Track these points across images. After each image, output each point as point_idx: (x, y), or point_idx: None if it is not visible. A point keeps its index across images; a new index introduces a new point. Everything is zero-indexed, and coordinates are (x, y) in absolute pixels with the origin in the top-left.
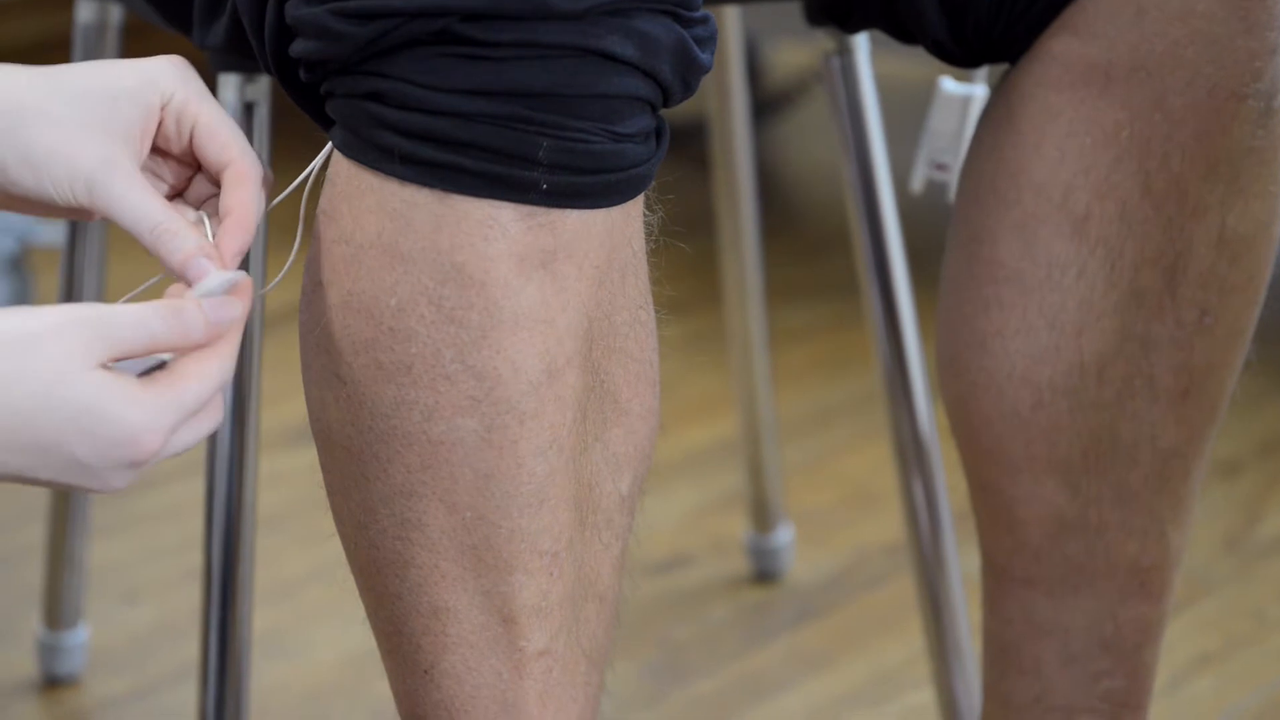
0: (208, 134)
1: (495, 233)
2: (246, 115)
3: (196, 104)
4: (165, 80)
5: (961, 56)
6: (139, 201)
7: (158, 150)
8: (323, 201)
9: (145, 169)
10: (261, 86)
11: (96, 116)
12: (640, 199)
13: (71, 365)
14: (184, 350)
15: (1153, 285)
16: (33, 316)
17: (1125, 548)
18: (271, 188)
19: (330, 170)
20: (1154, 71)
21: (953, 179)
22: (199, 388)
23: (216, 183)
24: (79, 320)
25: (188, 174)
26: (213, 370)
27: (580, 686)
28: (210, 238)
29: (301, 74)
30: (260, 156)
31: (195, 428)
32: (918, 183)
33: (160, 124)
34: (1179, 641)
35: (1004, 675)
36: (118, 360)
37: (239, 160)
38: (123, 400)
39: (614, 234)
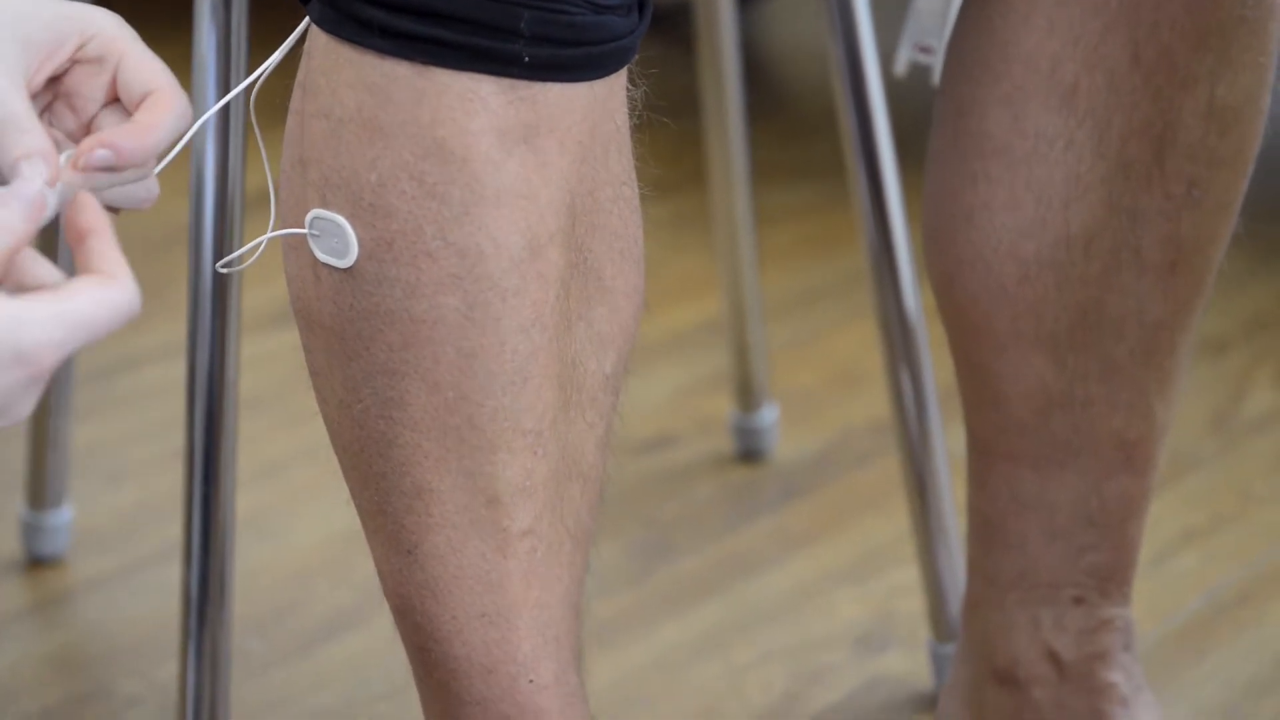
0: (134, 66)
1: (476, 106)
2: None
3: (125, 42)
4: (94, 18)
5: None
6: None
7: (67, 97)
8: (300, 75)
9: (45, 111)
10: None
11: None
12: (623, 74)
13: None
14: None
15: (1140, 157)
16: None
17: (1111, 422)
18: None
19: (307, 44)
20: None
21: (937, 61)
22: (95, 311)
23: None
24: None
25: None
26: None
27: (565, 566)
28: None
29: None
30: (239, 34)
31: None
32: (901, 65)
33: (76, 63)
34: (1165, 518)
35: (989, 552)
36: None
37: (165, 88)
38: (16, 317)
39: (596, 108)
